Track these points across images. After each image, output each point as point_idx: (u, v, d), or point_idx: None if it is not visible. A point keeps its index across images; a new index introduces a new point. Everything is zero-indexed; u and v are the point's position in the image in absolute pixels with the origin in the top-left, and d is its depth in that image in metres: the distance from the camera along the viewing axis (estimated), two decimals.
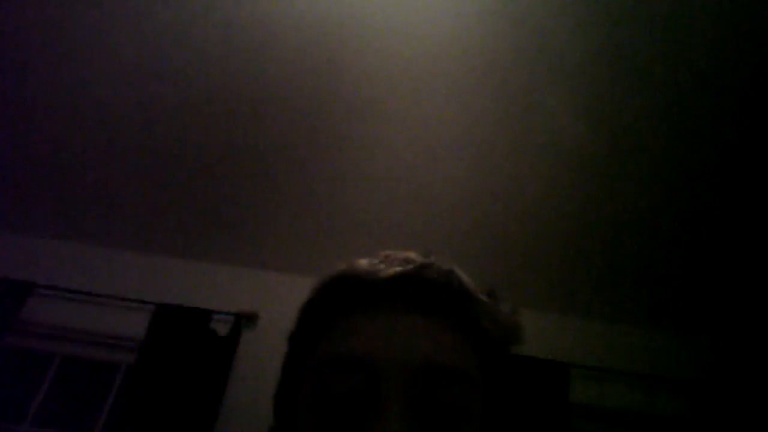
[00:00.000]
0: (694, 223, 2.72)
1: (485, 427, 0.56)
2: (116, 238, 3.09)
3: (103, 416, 2.76)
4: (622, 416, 2.94)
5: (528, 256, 2.93)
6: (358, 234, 2.89)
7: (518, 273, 2.99)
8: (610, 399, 2.91)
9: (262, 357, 2.65)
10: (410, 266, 0.56)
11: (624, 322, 3.12)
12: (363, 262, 0.59)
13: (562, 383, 2.83)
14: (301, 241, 2.97)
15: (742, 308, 2.99)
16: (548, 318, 3.10)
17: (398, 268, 0.56)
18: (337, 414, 0.51)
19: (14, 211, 3.04)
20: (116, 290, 2.92)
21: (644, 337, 3.11)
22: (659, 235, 2.78)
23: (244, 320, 2.84)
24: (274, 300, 2.90)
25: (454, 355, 0.53)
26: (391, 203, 2.81)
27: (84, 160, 2.82)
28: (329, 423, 0.51)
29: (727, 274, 2.89)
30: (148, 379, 2.63)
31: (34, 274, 2.90)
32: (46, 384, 2.82)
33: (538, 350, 2.92)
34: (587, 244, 2.85)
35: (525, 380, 2.80)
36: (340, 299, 0.57)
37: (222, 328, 2.81)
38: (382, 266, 0.57)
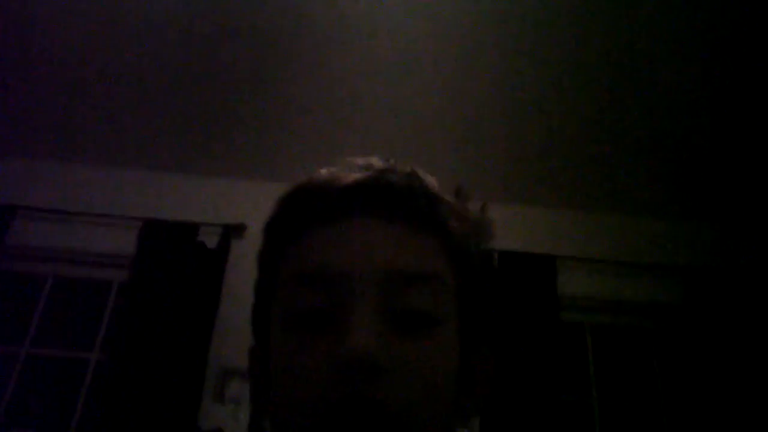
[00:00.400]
0: (686, 104, 2.69)
1: (465, 327, 0.56)
2: (99, 155, 3.03)
3: (101, 334, 2.80)
4: (611, 306, 3.01)
5: (512, 149, 2.91)
6: (345, 138, 2.86)
7: (502, 167, 2.98)
8: (599, 289, 2.98)
9: (253, 267, 2.66)
10: (369, 172, 0.55)
11: (612, 210, 3.14)
12: (323, 172, 0.57)
13: (549, 276, 2.88)
14: (286, 149, 2.93)
15: (739, 192, 3.01)
16: (533, 211, 3.12)
17: (357, 175, 0.55)
18: (308, 330, 0.50)
19: None
20: (102, 208, 2.90)
21: (633, 226, 3.14)
22: (645, 118, 2.75)
23: (233, 231, 2.84)
24: (262, 209, 2.84)
25: (420, 258, 0.53)
26: (378, 104, 2.76)
27: (62, 78, 2.72)
28: (301, 339, 0.50)
29: (718, 157, 2.88)
30: (141, 295, 2.65)
31: (17, 197, 2.87)
32: (41, 306, 2.84)
33: (523, 244, 2.97)
34: (570, 134, 2.82)
35: (512, 274, 2.86)
36: (301, 213, 0.56)
37: (211, 241, 2.82)
38: (341, 175, 0.55)
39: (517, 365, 2.65)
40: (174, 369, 2.52)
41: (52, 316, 2.85)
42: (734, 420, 2.63)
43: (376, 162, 0.57)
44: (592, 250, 3.02)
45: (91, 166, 3.05)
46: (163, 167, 3.05)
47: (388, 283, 0.50)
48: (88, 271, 2.91)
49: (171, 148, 2.99)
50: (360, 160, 0.57)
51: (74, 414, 2.61)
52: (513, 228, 3.04)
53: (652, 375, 2.94)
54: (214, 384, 2.60)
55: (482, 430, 2.55)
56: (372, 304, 0.49)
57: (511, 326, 2.73)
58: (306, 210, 0.55)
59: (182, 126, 2.89)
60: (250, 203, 2.92)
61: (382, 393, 0.47)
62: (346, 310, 0.49)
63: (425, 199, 0.55)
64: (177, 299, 2.65)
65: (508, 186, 3.05)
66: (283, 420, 0.51)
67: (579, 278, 2.95)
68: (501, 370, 2.61)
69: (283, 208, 0.58)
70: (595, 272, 2.97)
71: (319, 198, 0.55)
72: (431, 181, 0.57)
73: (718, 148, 2.84)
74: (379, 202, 0.54)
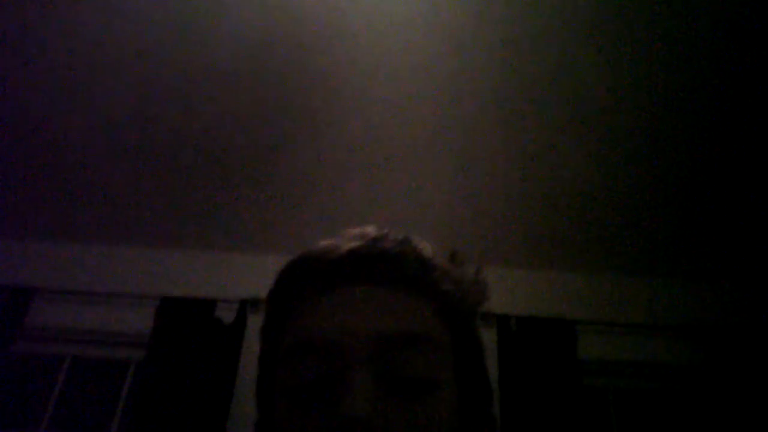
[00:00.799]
0: (697, 168, 2.71)
1: (464, 390, 0.56)
2: (114, 235, 3.08)
3: (118, 414, 2.78)
4: (633, 369, 2.96)
5: (525, 216, 2.93)
6: (356, 215, 2.89)
7: (516, 234, 2.99)
8: (620, 352, 2.93)
9: None
10: (363, 241, 0.57)
11: (629, 274, 3.12)
12: (321, 244, 0.59)
13: (569, 341, 2.84)
14: (301, 224, 2.96)
15: (758, 250, 2.99)
16: (550, 276, 3.11)
17: (351, 244, 0.56)
18: (307, 400, 0.51)
19: (9, 218, 3.03)
20: (119, 287, 2.93)
21: (652, 288, 3.11)
22: (663, 177, 2.76)
23: (249, 306, 2.85)
24: None
25: (412, 322, 0.53)
26: (389, 190, 2.82)
27: (76, 161, 2.79)
28: (301, 410, 0.51)
29: (736, 218, 2.88)
30: (158, 373, 2.64)
31: (35, 279, 2.90)
32: (59, 387, 2.83)
33: (542, 309, 2.94)
34: (586, 195, 2.83)
35: (531, 340, 2.82)
36: (297, 285, 0.57)
37: (228, 316, 2.82)
38: (336, 244, 0.57)
39: (537, 430, 2.59)
40: None
41: (69, 396, 2.83)
42: None
43: (371, 231, 0.58)
44: (612, 314, 2.98)
45: (107, 246, 3.09)
46: (177, 244, 3.09)
47: (380, 347, 0.51)
48: (105, 350, 2.91)
49: (185, 224, 3.02)
50: (356, 230, 0.59)
51: None
52: (531, 293, 3.03)
53: None
54: None
55: None
56: (366, 370, 0.49)
57: (533, 393, 2.68)
58: (302, 282, 0.57)
59: (197, 203, 2.94)
60: (267, 277, 2.91)
61: None
62: (342, 377, 0.50)
63: (418, 264, 0.56)
64: (194, 376, 2.63)
65: (525, 251, 3.05)
66: None
67: (599, 342, 2.91)
68: None
69: (280, 282, 0.59)
70: (616, 335, 2.93)
71: (314, 269, 0.56)
72: (425, 246, 0.58)
73: (736, 206, 2.83)
74: (372, 269, 0.55)
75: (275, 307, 0.60)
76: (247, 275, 3.01)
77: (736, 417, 2.69)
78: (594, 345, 2.89)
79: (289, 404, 0.52)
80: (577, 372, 2.77)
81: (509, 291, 3.01)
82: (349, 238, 0.57)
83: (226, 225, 3.02)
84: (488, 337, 2.80)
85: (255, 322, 2.82)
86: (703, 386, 2.86)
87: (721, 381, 2.80)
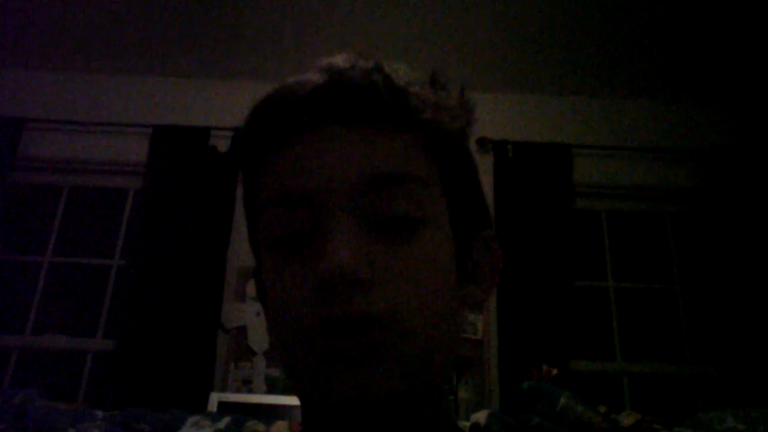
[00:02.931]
0: None
1: (458, 220, 0.54)
2: (106, 64, 2.99)
3: (119, 242, 2.84)
4: (627, 192, 2.99)
5: (519, 40, 2.82)
6: (342, 38, 2.78)
7: (515, 57, 2.90)
8: (614, 176, 2.95)
9: None
10: (328, 75, 0.51)
11: (626, 97, 3.07)
12: (287, 81, 0.53)
13: (565, 164, 2.85)
14: (294, 48, 2.85)
15: (755, 73, 2.91)
16: (548, 100, 3.06)
17: (314, 80, 0.51)
18: (289, 252, 0.49)
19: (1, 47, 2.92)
20: (112, 116, 2.89)
21: (648, 110, 3.08)
22: (657, 2, 2.63)
23: None
24: None
25: (392, 159, 0.49)
26: (372, 15, 2.68)
27: None
28: (284, 263, 0.49)
29: (735, 41, 2.77)
30: (156, 201, 2.68)
31: (27, 109, 2.86)
32: (59, 216, 2.88)
33: (539, 135, 2.93)
34: (582, 19, 2.72)
35: (527, 165, 2.83)
36: (267, 132, 0.53)
37: (223, 145, 2.80)
38: (300, 82, 0.52)
39: (533, 253, 2.67)
40: (194, 270, 2.58)
41: (71, 225, 2.90)
42: (751, 302, 2.65)
43: (338, 61, 0.52)
44: (608, 137, 2.97)
45: (99, 75, 3.01)
46: (171, 72, 3.00)
47: (361, 191, 0.48)
48: (102, 179, 2.93)
49: (178, 52, 2.93)
50: (324, 62, 0.52)
51: (100, 318, 2.70)
52: (528, 119, 3.00)
53: (669, 259, 2.95)
54: (234, 283, 2.66)
55: (499, 315, 2.61)
56: (348, 216, 0.48)
57: (529, 216, 2.74)
58: (270, 129, 0.52)
59: (188, 30, 2.82)
60: None
61: (368, 305, 0.46)
62: (324, 227, 0.48)
63: (391, 94, 0.50)
64: (193, 203, 2.67)
65: (520, 75, 2.98)
66: (276, 343, 0.51)
67: (594, 166, 2.92)
68: (517, 259, 2.64)
69: (249, 128, 0.55)
70: (611, 159, 2.93)
71: (279, 114, 0.52)
72: (400, 72, 0.52)
73: (734, 28, 2.72)
74: (341, 106, 0.50)
75: (247, 156, 0.55)
76: (242, 103, 2.93)
77: (730, 239, 2.76)
78: (589, 168, 2.91)
79: (273, 257, 0.51)
80: (572, 195, 2.81)
81: (506, 118, 2.98)
82: (316, 71, 0.52)
83: (219, 51, 2.93)
84: (485, 164, 2.81)
85: None
86: (697, 209, 2.90)
87: (715, 204, 2.84)
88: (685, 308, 2.86)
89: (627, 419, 1.73)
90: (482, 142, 2.84)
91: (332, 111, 0.50)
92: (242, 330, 2.58)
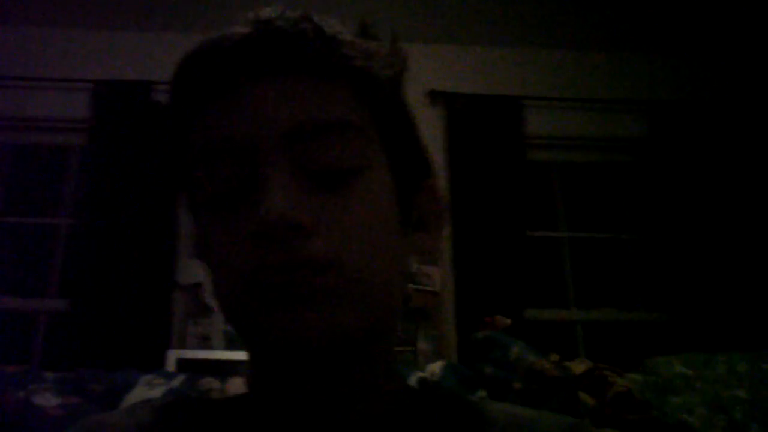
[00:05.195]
0: None
1: (398, 167, 0.54)
2: (42, 17, 2.84)
3: (65, 200, 2.76)
4: (577, 143, 3.01)
5: None
6: None
7: (467, 8, 2.85)
8: (565, 127, 2.96)
9: None
10: (255, 25, 0.50)
11: (575, 48, 3.06)
12: (213, 35, 0.52)
13: (515, 117, 2.85)
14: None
15: (704, 24, 2.91)
16: (497, 52, 3.04)
17: (240, 31, 0.50)
18: (227, 206, 0.48)
19: None
20: (50, 71, 2.77)
21: (598, 62, 3.08)
22: None
23: None
24: None
25: (325, 107, 0.49)
26: None
27: None
28: (220, 219, 0.49)
29: None
30: (102, 157, 2.61)
31: None
32: (3, 174, 2.79)
33: (489, 88, 2.92)
34: None
35: (477, 118, 2.82)
36: (196, 85, 0.51)
37: (166, 99, 2.72)
38: (227, 35, 0.50)
39: (486, 205, 2.69)
40: (147, 227, 2.53)
41: (14, 185, 2.81)
42: (699, 250, 2.72)
43: (266, 12, 0.51)
44: (558, 89, 2.97)
45: (35, 27, 2.87)
46: (111, 26, 2.88)
47: (295, 138, 0.48)
48: (45, 137, 2.83)
49: (117, 4, 2.80)
50: (251, 14, 0.51)
51: (51, 278, 2.64)
52: (479, 71, 2.98)
53: (620, 209, 3.00)
54: (189, 240, 2.62)
55: (455, 267, 2.63)
56: (284, 166, 0.47)
57: (481, 168, 2.74)
58: (199, 82, 0.51)
59: None
60: None
61: (311, 251, 0.45)
62: (259, 179, 0.47)
63: (321, 43, 0.50)
64: (140, 159, 2.60)
65: (469, 27, 2.93)
66: (218, 298, 0.51)
67: (545, 117, 2.92)
68: (471, 211, 2.65)
69: (176, 84, 0.53)
70: (561, 110, 2.94)
71: (207, 66, 0.50)
72: (329, 22, 0.52)
73: None
74: (271, 55, 0.49)
75: (174, 114, 0.54)
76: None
77: (678, 188, 2.81)
78: (540, 120, 2.91)
79: (207, 213, 0.50)
80: (523, 147, 2.82)
81: (458, 70, 2.96)
82: (243, 23, 0.51)
83: (160, 3, 2.80)
84: (437, 116, 2.79)
85: None
86: (647, 159, 2.94)
87: (664, 154, 2.88)
88: (635, 257, 2.92)
89: (578, 367, 1.78)
90: (433, 94, 2.82)
91: (261, 61, 0.50)
92: (199, 287, 2.55)
